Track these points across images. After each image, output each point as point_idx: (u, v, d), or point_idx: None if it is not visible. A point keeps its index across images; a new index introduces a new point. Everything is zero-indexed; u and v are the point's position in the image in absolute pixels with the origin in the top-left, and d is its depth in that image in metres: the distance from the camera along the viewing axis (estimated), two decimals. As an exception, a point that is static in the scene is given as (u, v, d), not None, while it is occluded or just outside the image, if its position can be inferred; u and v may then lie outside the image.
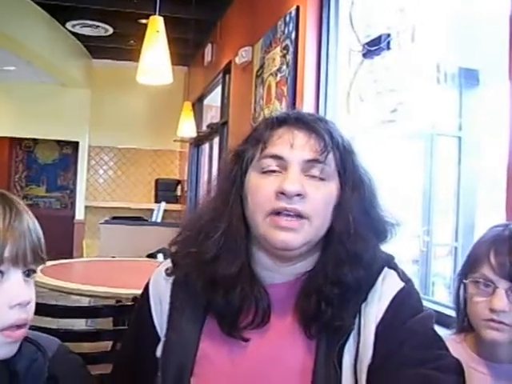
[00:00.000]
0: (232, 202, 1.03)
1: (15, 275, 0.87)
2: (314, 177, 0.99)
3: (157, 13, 3.41)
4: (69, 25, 6.42)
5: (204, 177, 7.09)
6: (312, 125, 1.03)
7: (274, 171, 1.00)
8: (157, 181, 8.32)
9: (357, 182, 1.03)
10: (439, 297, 3.02)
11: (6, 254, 0.85)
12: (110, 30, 6.54)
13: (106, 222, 6.15)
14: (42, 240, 0.91)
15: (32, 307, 0.90)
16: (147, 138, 8.33)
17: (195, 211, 1.13)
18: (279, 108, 3.58)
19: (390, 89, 2.71)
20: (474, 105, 3.06)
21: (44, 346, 0.98)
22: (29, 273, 0.89)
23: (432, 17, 2.65)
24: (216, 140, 6.20)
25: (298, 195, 0.96)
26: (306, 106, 3.20)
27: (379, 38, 2.65)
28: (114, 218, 6.81)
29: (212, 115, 7.13)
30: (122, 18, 6.02)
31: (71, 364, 1.04)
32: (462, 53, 3.02)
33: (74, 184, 8.76)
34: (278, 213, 0.97)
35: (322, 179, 1.00)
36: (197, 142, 7.20)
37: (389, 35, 2.62)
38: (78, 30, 6.59)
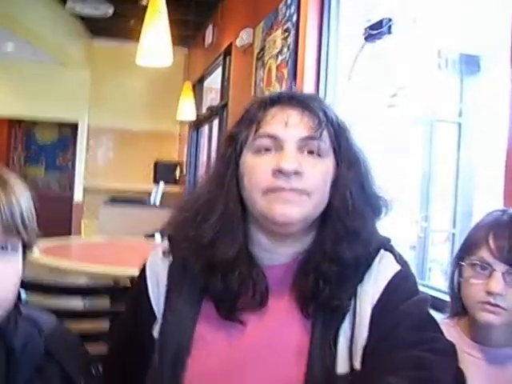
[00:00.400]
0: (227, 184, 1.02)
1: None
2: (310, 154, 0.99)
3: (158, -7, 3.37)
4: (69, 4, 6.36)
5: (203, 159, 7.07)
6: (306, 103, 1.02)
7: (269, 149, 0.99)
8: (156, 163, 8.29)
9: (352, 158, 1.03)
10: (436, 282, 3.03)
11: None
12: (111, 11, 6.48)
13: (106, 203, 6.16)
14: (18, 214, 0.85)
15: (3, 285, 0.85)
16: (147, 120, 8.27)
17: (191, 193, 1.12)
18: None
19: (390, 73, 2.71)
20: (475, 91, 3.05)
21: (41, 324, 0.98)
22: (3, 249, 0.85)
23: (434, 2, 2.64)
24: (216, 122, 6.17)
25: (296, 173, 0.96)
26: (307, 89, 3.19)
27: (381, 22, 2.64)
28: (113, 199, 6.81)
29: (212, 97, 7.09)
30: (122, -2, 5.96)
31: (68, 342, 1.04)
32: (464, 39, 3.01)
33: (73, 165, 8.72)
34: (275, 190, 0.96)
35: (318, 155, 0.99)
36: (196, 125, 7.17)
37: (390, 19, 2.61)
38: (78, 9, 6.53)
